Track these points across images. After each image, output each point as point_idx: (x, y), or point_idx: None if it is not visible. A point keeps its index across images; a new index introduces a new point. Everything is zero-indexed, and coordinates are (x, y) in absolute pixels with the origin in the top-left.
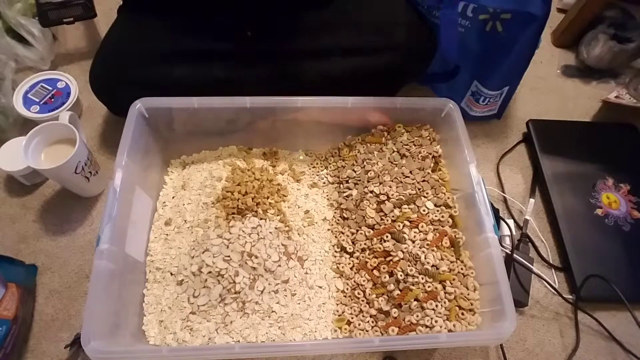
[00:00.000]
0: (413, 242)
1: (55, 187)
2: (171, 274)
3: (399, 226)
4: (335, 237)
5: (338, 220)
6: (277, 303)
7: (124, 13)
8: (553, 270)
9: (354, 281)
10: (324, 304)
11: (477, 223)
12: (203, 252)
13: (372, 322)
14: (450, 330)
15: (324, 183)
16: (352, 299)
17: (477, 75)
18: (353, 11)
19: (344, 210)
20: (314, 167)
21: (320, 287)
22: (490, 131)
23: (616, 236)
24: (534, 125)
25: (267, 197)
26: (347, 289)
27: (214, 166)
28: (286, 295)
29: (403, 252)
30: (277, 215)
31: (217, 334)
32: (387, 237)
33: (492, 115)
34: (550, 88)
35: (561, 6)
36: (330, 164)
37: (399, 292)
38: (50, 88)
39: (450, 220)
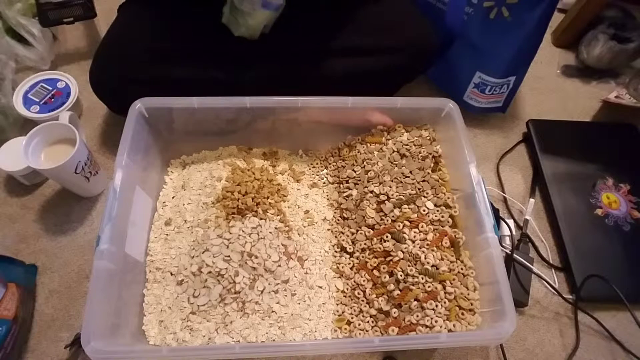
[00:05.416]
0: (413, 242)
1: (55, 187)
2: (171, 274)
3: (399, 226)
4: (335, 237)
5: (338, 220)
6: (277, 303)
7: (125, 12)
8: (553, 270)
9: (354, 281)
10: (324, 304)
11: (477, 223)
12: (203, 252)
13: (372, 322)
14: (450, 330)
15: (324, 183)
16: (352, 299)
17: (480, 65)
18: (355, 11)
19: (344, 210)
20: (314, 167)
21: (320, 287)
22: (490, 131)
23: (616, 236)
24: (534, 125)
25: (267, 197)
26: (347, 289)
27: (214, 166)
28: (286, 295)
29: (403, 252)
30: (277, 215)
31: (217, 334)
32: (387, 237)
33: (497, 107)
34: (550, 88)
35: (561, 6)
36: (330, 164)
37: (399, 292)
38: (50, 88)
39: (450, 220)
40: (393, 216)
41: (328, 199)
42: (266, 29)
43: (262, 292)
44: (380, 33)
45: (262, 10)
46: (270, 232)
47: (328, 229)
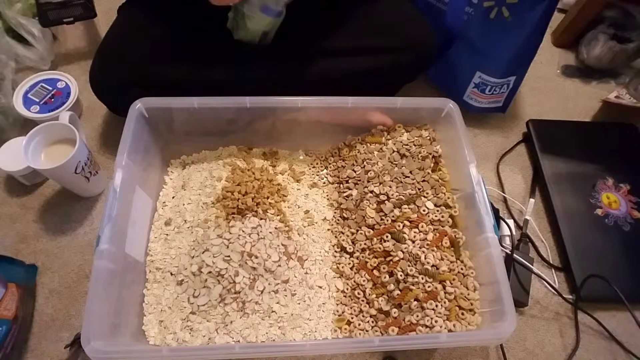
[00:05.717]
0: (413, 242)
1: (55, 187)
2: (171, 274)
3: (399, 226)
4: (335, 237)
5: (338, 220)
6: (277, 303)
7: (124, 12)
8: (553, 270)
9: (354, 281)
10: (324, 304)
11: (477, 223)
12: (203, 252)
13: (372, 322)
14: (450, 330)
15: (324, 183)
16: (352, 299)
17: (480, 65)
18: (355, 11)
19: (344, 210)
20: (314, 167)
21: (320, 287)
22: (490, 131)
23: (616, 236)
24: (534, 125)
25: (267, 197)
26: (347, 289)
27: (214, 166)
28: (286, 295)
29: (403, 252)
30: (277, 215)
31: (217, 334)
32: (387, 237)
33: (497, 107)
34: (550, 88)
35: (561, 6)
36: (330, 164)
37: (399, 292)
38: (50, 88)
39: (450, 220)
40: (393, 216)
41: (328, 199)
42: (268, 37)
43: (262, 292)
44: (380, 33)
45: (262, 14)
46: (270, 232)
47: (328, 229)
